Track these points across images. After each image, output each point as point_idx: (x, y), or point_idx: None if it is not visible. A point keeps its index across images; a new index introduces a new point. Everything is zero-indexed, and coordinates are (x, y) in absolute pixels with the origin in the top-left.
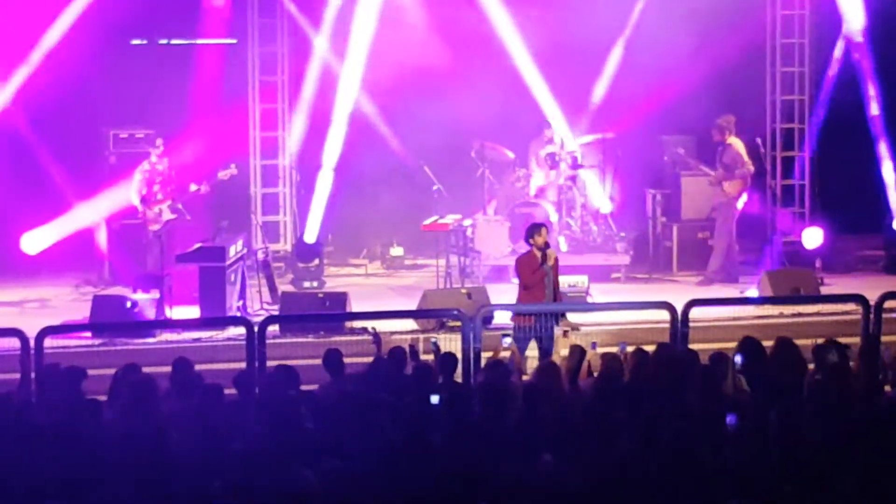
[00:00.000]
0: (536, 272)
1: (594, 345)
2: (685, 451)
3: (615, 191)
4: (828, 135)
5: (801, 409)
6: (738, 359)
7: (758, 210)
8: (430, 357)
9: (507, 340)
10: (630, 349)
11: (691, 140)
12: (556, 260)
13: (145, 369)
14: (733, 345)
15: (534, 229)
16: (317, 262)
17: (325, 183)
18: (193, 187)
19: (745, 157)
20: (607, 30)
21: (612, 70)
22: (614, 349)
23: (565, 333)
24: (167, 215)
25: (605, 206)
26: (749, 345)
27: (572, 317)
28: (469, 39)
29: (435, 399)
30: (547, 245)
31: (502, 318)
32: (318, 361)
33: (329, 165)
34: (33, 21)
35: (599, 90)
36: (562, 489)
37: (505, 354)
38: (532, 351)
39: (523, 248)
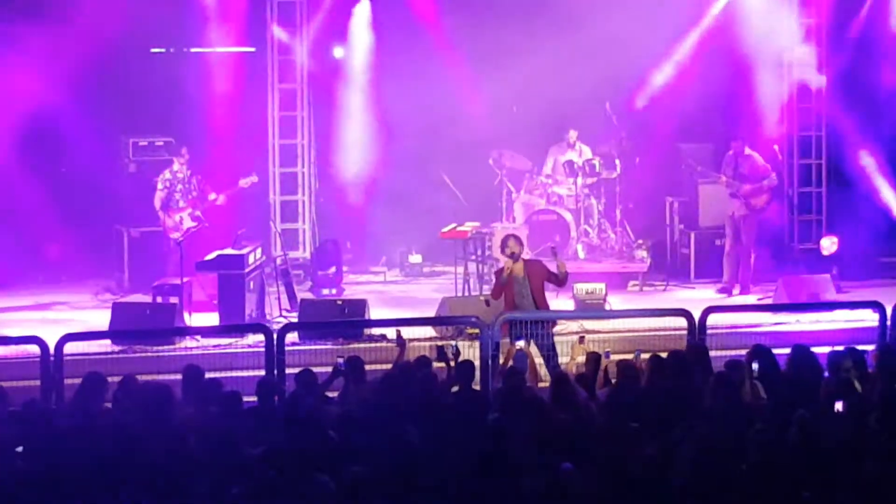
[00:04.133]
0: (498, 285)
1: (607, 353)
2: (704, 458)
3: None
4: (845, 143)
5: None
6: (755, 366)
7: (775, 217)
8: (452, 363)
9: (521, 344)
10: (645, 356)
11: (708, 148)
12: (533, 265)
13: (164, 376)
14: None
15: (503, 241)
16: (335, 269)
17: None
18: (212, 196)
19: (769, 168)
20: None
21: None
22: (630, 356)
23: (581, 340)
24: (187, 223)
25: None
26: (765, 352)
27: (588, 324)
28: (487, 47)
29: None
30: (513, 256)
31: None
32: None
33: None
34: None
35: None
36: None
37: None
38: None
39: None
